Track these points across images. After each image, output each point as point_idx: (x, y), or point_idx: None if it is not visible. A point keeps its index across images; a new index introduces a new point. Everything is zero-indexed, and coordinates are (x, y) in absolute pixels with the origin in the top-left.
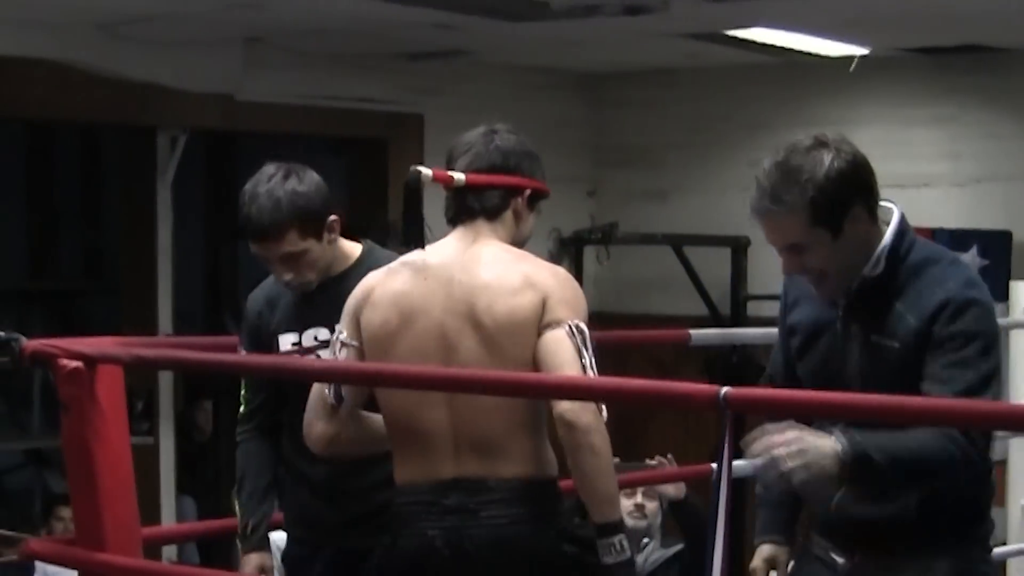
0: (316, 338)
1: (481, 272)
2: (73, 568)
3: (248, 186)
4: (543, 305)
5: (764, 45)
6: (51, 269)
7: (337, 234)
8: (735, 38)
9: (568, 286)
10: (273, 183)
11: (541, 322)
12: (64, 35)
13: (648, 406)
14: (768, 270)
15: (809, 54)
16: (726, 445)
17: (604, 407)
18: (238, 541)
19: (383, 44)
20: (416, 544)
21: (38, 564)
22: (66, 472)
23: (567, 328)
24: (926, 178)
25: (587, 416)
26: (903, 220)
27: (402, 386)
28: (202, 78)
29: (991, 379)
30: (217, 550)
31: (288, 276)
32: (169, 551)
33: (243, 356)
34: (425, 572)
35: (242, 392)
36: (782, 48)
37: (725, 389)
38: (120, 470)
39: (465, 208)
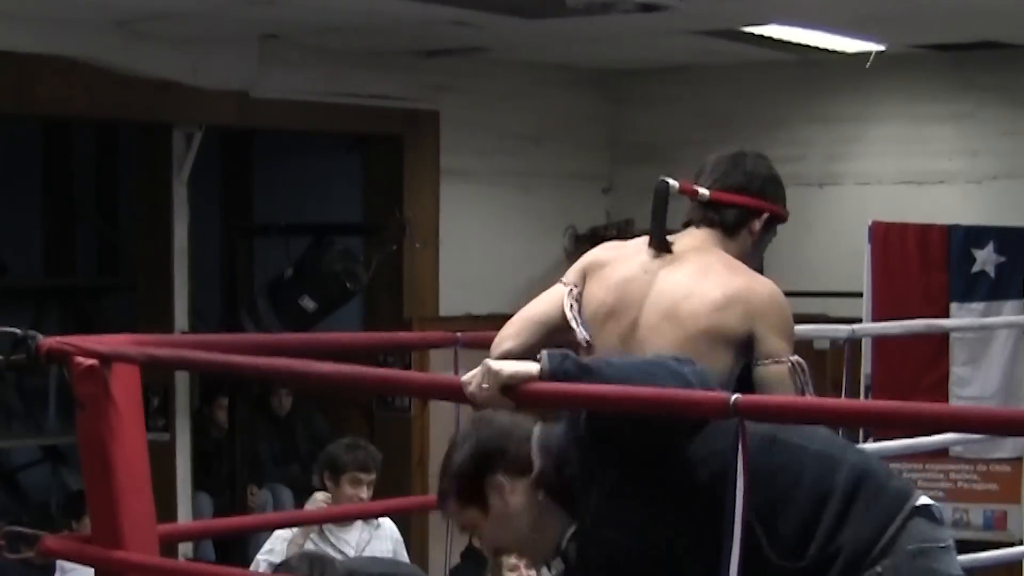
0: None
1: (697, 279)
2: (90, 566)
3: None
4: (750, 326)
5: (779, 41)
6: (67, 266)
7: None
8: (750, 35)
9: (778, 311)
10: None
11: (751, 346)
12: (80, 32)
13: (659, 414)
14: (784, 267)
15: (825, 50)
16: (739, 452)
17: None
18: None
19: (399, 41)
20: None
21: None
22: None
23: (789, 366)
24: (943, 175)
25: None
26: None
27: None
28: (218, 75)
29: None
30: (233, 546)
31: None
32: (185, 547)
33: (255, 359)
34: None
35: None
36: (797, 44)
37: (735, 396)
38: (136, 468)
39: (705, 218)
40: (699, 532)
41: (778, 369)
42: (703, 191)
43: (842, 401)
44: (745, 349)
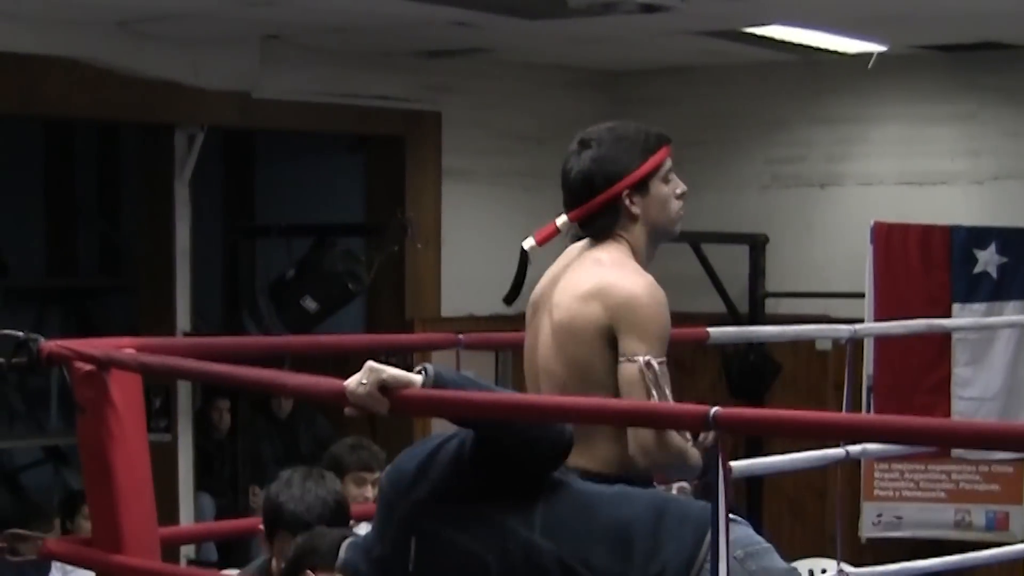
0: None
1: (577, 272)
2: (90, 569)
3: None
4: (610, 321)
5: (781, 42)
6: (69, 267)
7: None
8: (752, 35)
9: (637, 308)
10: None
11: (614, 343)
12: (82, 33)
13: (636, 425)
14: (786, 268)
15: (826, 51)
16: (720, 463)
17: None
18: None
19: (401, 41)
20: None
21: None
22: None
23: (639, 366)
24: (945, 176)
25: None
26: None
27: None
28: (219, 76)
29: None
30: (236, 547)
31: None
32: (187, 548)
33: (247, 369)
34: None
35: None
36: (799, 45)
37: (715, 409)
38: (137, 471)
39: (585, 234)
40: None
41: (629, 368)
42: (561, 222)
43: (821, 414)
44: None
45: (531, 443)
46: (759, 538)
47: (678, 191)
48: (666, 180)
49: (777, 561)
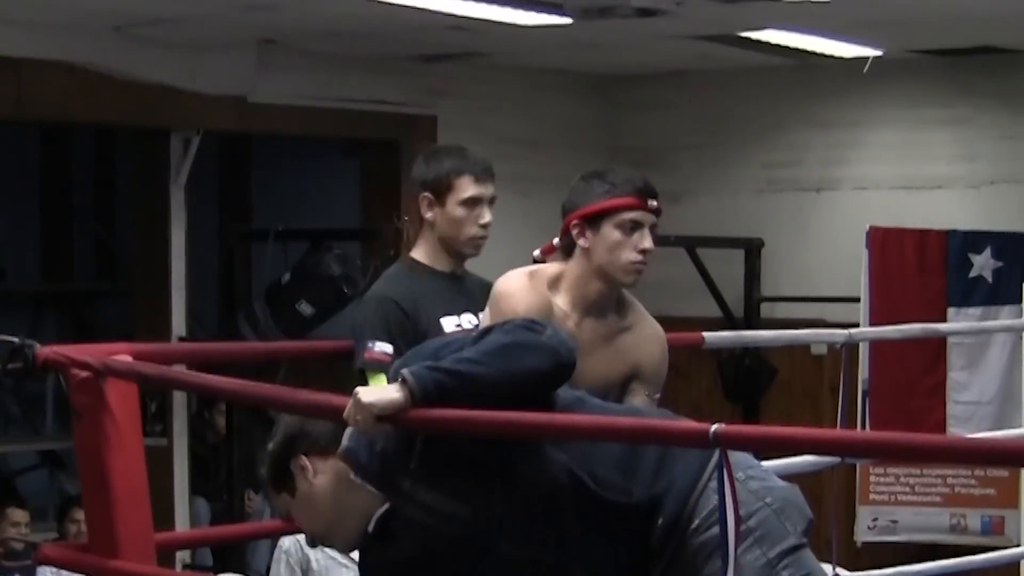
0: (470, 322)
1: None
2: (85, 575)
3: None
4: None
5: (777, 46)
6: (65, 270)
7: None
8: (748, 39)
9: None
10: None
11: None
12: (78, 37)
13: (640, 442)
14: (782, 272)
15: (822, 55)
16: (726, 480)
17: None
18: None
19: (397, 45)
20: None
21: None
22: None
23: None
24: (940, 180)
25: None
26: None
27: None
28: (215, 80)
29: None
30: (231, 552)
31: (488, 219)
32: (182, 553)
33: (244, 382)
34: None
35: None
36: (795, 49)
37: (716, 426)
38: (133, 477)
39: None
40: (513, 526)
41: None
42: (555, 241)
43: (820, 431)
44: None
45: (526, 375)
46: (757, 461)
47: (641, 245)
48: (624, 227)
49: (777, 481)
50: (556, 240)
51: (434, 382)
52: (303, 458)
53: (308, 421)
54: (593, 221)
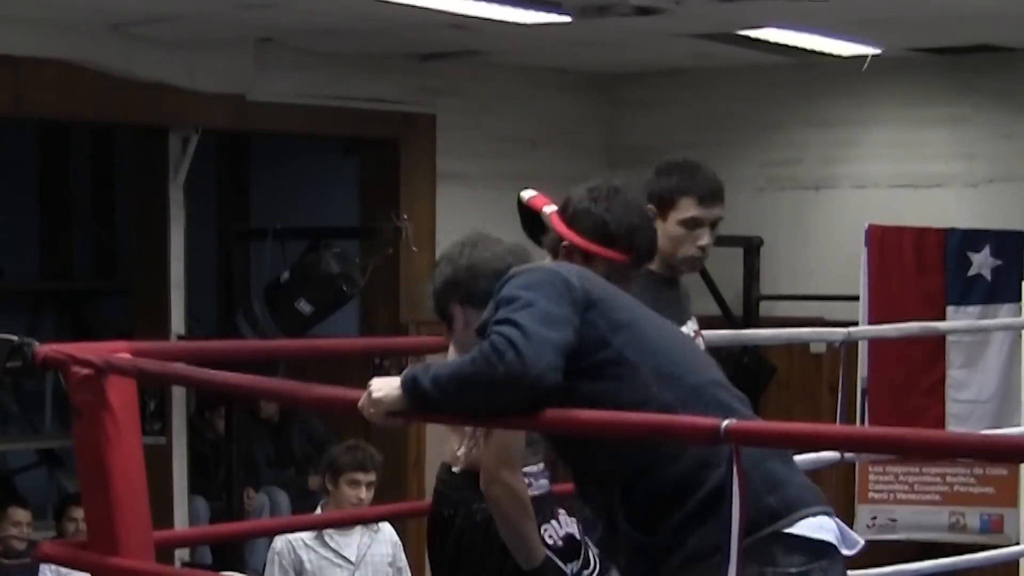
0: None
1: None
2: (86, 572)
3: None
4: None
5: (776, 45)
6: (64, 269)
7: None
8: (746, 38)
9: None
10: None
11: None
12: (77, 35)
13: (651, 440)
14: (781, 270)
15: (821, 54)
16: (735, 476)
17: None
18: None
19: (395, 44)
20: None
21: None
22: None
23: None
24: (939, 178)
25: (485, 474)
26: None
27: None
28: (214, 78)
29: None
30: (230, 550)
31: (706, 241)
32: (182, 552)
33: (249, 377)
34: None
35: None
36: (794, 48)
37: (726, 422)
38: (132, 475)
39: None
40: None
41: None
42: (547, 210)
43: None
44: None
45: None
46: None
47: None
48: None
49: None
50: (546, 211)
51: (421, 395)
52: (457, 306)
53: (468, 274)
54: (582, 254)
